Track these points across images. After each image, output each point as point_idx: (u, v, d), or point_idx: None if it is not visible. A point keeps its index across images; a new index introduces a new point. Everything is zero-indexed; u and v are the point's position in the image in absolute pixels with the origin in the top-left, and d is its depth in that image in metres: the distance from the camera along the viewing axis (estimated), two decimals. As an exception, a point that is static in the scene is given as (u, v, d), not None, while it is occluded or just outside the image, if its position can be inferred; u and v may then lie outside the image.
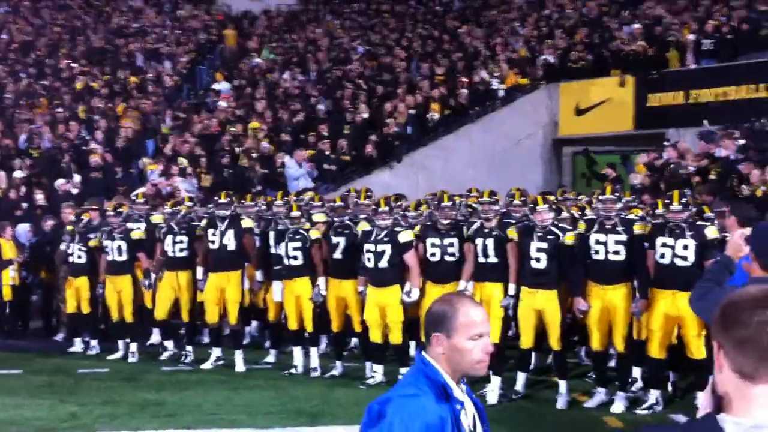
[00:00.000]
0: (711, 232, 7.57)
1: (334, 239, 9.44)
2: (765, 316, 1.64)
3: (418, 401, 2.53)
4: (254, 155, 16.31)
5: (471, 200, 10.06)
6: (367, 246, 8.91)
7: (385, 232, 8.87)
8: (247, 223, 10.09)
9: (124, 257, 10.68)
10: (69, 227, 11.40)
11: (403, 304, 8.83)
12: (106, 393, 8.93)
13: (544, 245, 8.02)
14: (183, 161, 16.29)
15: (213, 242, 9.99)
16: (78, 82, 20.77)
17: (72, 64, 21.93)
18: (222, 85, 20.87)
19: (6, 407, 8.31)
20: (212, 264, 10.04)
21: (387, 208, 9.02)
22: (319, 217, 10.08)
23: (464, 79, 18.51)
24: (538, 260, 8.05)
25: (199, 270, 10.15)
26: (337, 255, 9.39)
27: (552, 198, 9.92)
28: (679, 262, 7.60)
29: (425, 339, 2.70)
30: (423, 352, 2.68)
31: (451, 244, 8.76)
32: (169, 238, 10.41)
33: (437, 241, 8.81)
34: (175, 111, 19.33)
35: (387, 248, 8.79)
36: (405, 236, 8.84)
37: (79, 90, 20.39)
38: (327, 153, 16.35)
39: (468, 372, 2.64)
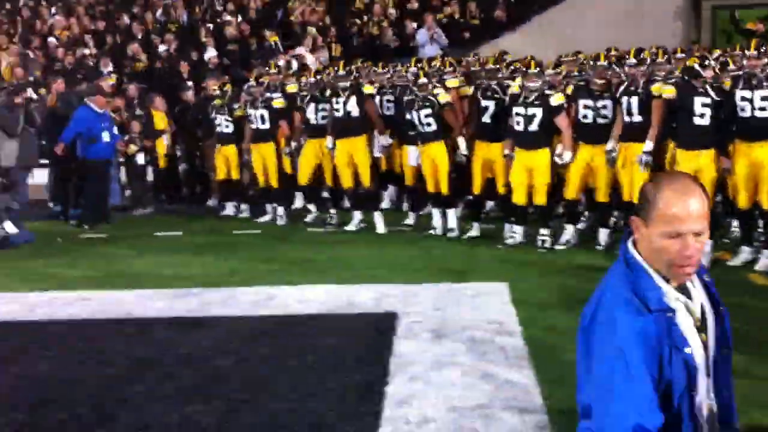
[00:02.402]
0: None
1: (483, 102, 9.37)
2: None
3: (622, 308, 2.13)
4: (383, 23, 16.27)
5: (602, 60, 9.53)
6: (516, 109, 8.84)
7: (535, 95, 8.78)
8: (367, 89, 10.20)
9: (266, 125, 11.05)
10: (217, 100, 11.86)
11: (554, 166, 8.81)
12: (261, 251, 9.49)
13: (708, 101, 7.80)
14: (312, 30, 16.46)
15: (337, 110, 10.13)
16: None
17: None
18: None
19: (172, 264, 8.96)
20: (338, 131, 10.18)
21: (536, 70, 8.89)
22: (452, 82, 10.07)
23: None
24: (702, 116, 7.84)
25: (329, 139, 10.33)
26: (486, 119, 9.33)
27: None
28: None
29: None
30: (629, 241, 2.23)
31: (605, 106, 8.64)
32: (311, 106, 10.62)
33: (590, 102, 8.70)
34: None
35: (537, 111, 8.70)
36: (556, 99, 8.73)
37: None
38: (456, 17, 16.11)
39: (666, 275, 2.16)
